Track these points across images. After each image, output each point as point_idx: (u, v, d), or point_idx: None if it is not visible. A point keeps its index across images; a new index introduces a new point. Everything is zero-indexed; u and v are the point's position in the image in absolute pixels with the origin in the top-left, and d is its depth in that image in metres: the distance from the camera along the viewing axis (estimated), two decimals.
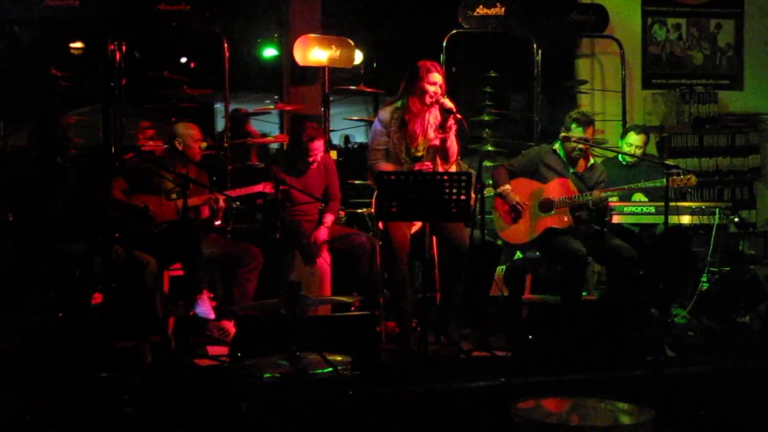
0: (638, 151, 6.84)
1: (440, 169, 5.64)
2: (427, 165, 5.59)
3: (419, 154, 5.67)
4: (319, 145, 6.16)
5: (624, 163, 6.89)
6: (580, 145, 6.06)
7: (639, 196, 6.52)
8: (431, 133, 5.63)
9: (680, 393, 4.68)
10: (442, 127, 5.55)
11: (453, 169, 5.80)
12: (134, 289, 5.44)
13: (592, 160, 6.23)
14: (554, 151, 6.19)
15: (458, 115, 5.47)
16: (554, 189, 6.02)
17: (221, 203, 5.89)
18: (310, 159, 6.16)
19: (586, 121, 6.12)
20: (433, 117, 5.67)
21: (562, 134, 6.13)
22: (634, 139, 6.89)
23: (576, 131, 6.07)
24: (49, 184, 5.47)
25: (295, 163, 6.22)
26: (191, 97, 7.53)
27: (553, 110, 9.01)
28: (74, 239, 5.36)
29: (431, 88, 5.53)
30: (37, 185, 5.46)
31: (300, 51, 7.45)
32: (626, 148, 6.87)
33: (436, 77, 5.56)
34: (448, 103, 5.48)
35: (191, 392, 4.46)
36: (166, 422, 4.16)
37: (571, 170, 6.12)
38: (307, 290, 5.67)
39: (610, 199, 6.09)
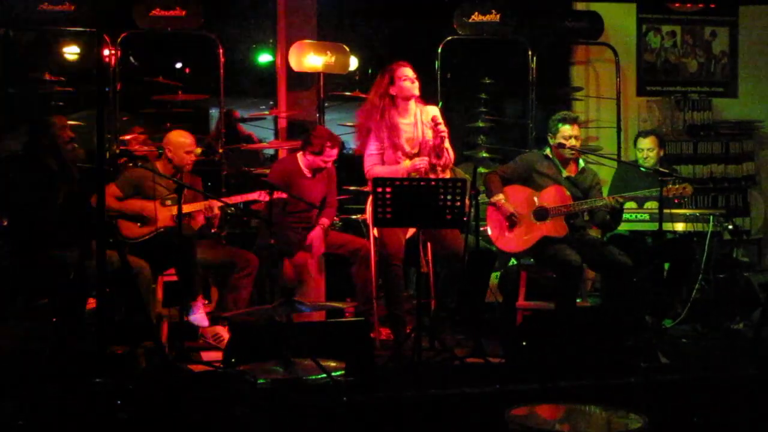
0: (650, 154, 6.86)
1: (438, 168, 5.73)
2: (423, 160, 5.69)
3: (415, 151, 5.75)
4: (336, 153, 6.22)
5: (643, 169, 6.90)
6: (573, 142, 6.05)
7: (651, 203, 6.53)
8: (427, 133, 5.73)
9: (674, 400, 4.68)
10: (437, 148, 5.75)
11: (448, 175, 5.83)
12: (128, 294, 5.43)
13: (582, 164, 6.22)
14: (546, 157, 6.18)
15: (440, 126, 5.69)
16: (549, 196, 6.01)
17: (215, 211, 5.89)
18: (324, 164, 6.20)
19: (572, 118, 6.14)
20: (425, 115, 5.78)
21: (556, 141, 6.11)
22: (643, 143, 6.93)
23: (564, 129, 6.07)
24: (45, 189, 5.46)
25: (304, 166, 6.25)
26: (186, 102, 7.53)
27: (547, 117, 8.99)
28: (68, 245, 5.35)
29: (405, 83, 5.75)
30: (33, 191, 5.45)
31: (295, 57, 7.46)
32: (639, 155, 6.92)
33: (406, 72, 5.76)
34: (436, 116, 5.72)
35: (185, 397, 4.45)
36: (159, 427, 4.16)
37: (564, 174, 6.11)
38: (301, 296, 5.71)
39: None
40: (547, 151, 6.19)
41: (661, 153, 6.99)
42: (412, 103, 5.82)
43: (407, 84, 5.73)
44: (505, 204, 6.00)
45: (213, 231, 6.19)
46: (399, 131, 5.76)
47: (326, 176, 6.38)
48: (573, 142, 6.05)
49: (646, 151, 6.90)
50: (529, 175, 6.13)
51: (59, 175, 5.53)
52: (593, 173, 6.25)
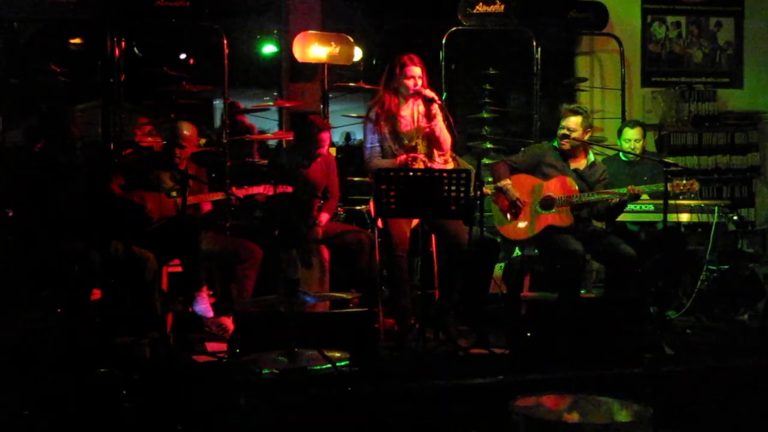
0: (637, 145, 6.85)
1: (437, 158, 5.73)
2: (417, 156, 5.65)
3: (413, 143, 5.73)
4: (327, 137, 6.19)
5: (626, 160, 6.88)
6: (575, 134, 6.05)
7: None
8: (422, 124, 5.72)
9: (678, 390, 4.68)
10: (428, 116, 5.69)
11: (451, 165, 5.83)
12: (133, 285, 5.44)
13: (592, 158, 6.21)
14: (554, 148, 6.18)
15: (439, 102, 5.64)
16: (555, 187, 6.01)
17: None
18: (318, 150, 6.16)
19: (573, 110, 6.12)
20: (420, 108, 5.76)
21: (560, 133, 6.11)
22: (630, 134, 6.91)
23: (567, 122, 6.07)
24: (50, 180, 5.46)
25: (300, 156, 6.22)
26: (190, 93, 7.51)
27: (552, 108, 9.00)
28: (73, 235, 5.35)
29: (409, 82, 5.67)
30: (38, 182, 5.45)
31: (299, 48, 7.45)
32: (625, 145, 6.89)
33: (414, 70, 5.69)
34: (429, 93, 5.65)
35: (190, 388, 4.46)
36: (164, 418, 4.17)
37: (572, 168, 6.11)
38: (306, 287, 5.71)
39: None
40: (556, 143, 6.19)
41: (644, 143, 6.99)
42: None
43: (410, 83, 5.71)
44: (511, 189, 6.00)
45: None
46: (398, 122, 5.75)
47: (325, 164, 6.36)
48: (575, 134, 6.04)
49: (633, 141, 6.88)
50: (537, 165, 6.13)
51: (67, 167, 5.53)
52: (602, 169, 6.23)
